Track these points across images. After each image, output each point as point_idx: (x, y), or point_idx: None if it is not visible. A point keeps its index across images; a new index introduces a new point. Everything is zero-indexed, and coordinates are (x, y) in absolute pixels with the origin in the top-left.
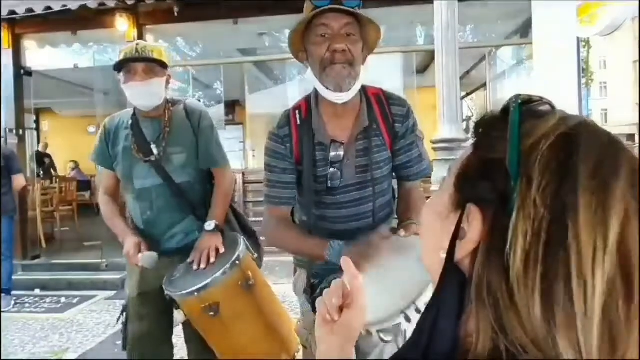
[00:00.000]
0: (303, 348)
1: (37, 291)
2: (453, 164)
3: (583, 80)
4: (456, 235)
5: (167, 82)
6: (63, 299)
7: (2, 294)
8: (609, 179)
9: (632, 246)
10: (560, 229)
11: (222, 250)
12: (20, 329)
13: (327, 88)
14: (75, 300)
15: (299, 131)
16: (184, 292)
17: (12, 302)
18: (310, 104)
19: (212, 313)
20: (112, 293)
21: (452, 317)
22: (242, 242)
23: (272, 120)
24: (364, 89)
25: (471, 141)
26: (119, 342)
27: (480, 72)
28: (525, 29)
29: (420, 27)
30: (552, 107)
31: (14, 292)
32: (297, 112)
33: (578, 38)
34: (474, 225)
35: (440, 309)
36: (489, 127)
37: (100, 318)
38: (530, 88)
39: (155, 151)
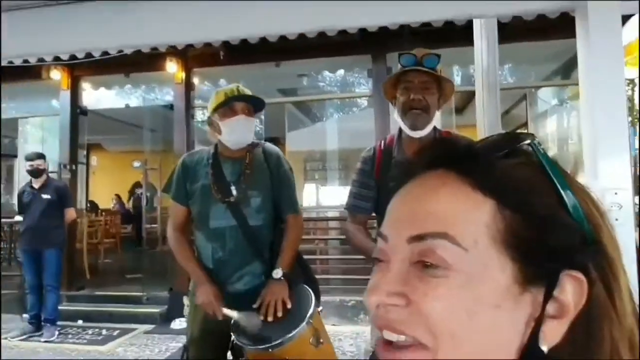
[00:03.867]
0: None
1: (80, 322)
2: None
3: (629, 119)
4: (542, 314)
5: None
6: (104, 331)
7: (48, 324)
8: None
9: None
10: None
11: (288, 303)
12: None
13: (406, 125)
14: (115, 333)
15: (382, 154)
16: (258, 347)
17: (57, 332)
18: (394, 137)
19: None
20: (151, 327)
21: None
22: (313, 298)
23: (310, 157)
24: (437, 130)
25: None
26: None
27: (520, 111)
28: (566, 70)
29: (456, 68)
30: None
31: (57, 323)
32: (383, 141)
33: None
34: (577, 294)
35: None
36: (523, 181)
37: (139, 352)
38: (576, 127)
39: (234, 192)
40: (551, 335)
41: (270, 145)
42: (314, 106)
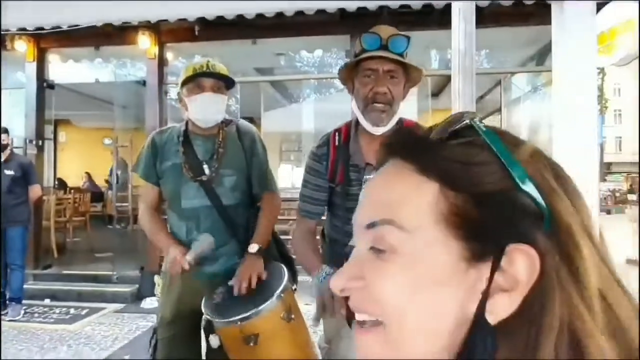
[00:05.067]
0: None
1: (47, 301)
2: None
3: (597, 107)
4: (488, 289)
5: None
6: (72, 310)
7: (13, 303)
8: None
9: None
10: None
11: (263, 276)
12: (29, 338)
13: (367, 122)
14: (84, 312)
15: (336, 152)
16: (225, 320)
17: (22, 312)
18: (350, 129)
19: (251, 344)
20: (121, 306)
21: None
22: (286, 273)
23: (286, 138)
24: (400, 121)
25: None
26: (127, 357)
27: (494, 97)
28: (540, 57)
29: (434, 51)
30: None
31: (23, 302)
32: (337, 134)
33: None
34: (527, 267)
35: None
36: (465, 161)
37: (108, 331)
38: (548, 114)
39: (206, 171)
40: (500, 308)
41: (244, 123)
42: (291, 86)
